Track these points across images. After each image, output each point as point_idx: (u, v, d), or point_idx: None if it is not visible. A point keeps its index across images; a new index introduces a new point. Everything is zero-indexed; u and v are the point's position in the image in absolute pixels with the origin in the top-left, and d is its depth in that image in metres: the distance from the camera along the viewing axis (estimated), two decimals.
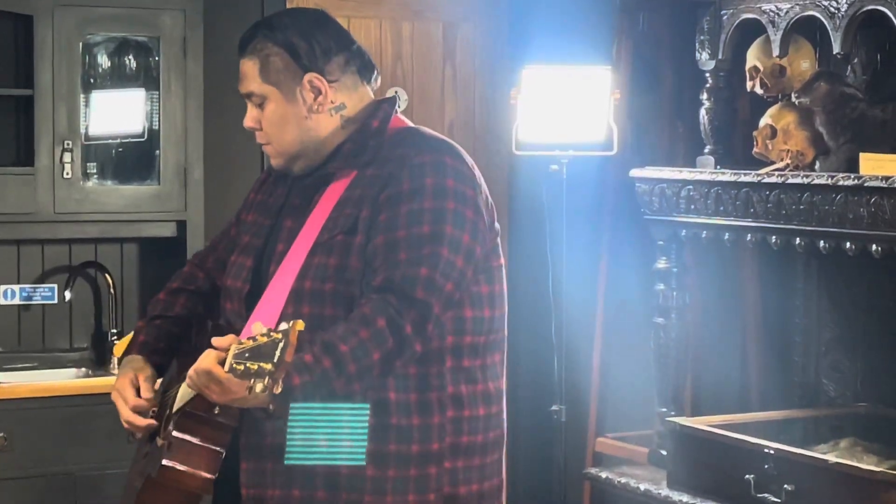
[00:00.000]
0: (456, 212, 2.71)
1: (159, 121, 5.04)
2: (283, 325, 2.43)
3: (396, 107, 2.89)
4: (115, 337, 5.09)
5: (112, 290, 5.15)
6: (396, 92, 5.52)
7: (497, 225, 2.86)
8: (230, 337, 2.54)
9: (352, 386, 2.61)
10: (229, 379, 2.50)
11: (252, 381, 2.41)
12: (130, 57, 5.14)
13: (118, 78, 5.15)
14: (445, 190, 2.72)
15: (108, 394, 4.57)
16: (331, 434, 2.68)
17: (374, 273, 2.67)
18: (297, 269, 2.72)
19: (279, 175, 2.93)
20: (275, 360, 2.40)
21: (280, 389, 2.43)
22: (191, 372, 2.57)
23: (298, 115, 2.81)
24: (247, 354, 2.43)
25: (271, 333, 2.43)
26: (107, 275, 5.15)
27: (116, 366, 5.00)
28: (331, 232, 2.73)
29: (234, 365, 2.44)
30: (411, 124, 2.89)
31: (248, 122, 2.86)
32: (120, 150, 5.18)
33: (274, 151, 2.85)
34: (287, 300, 2.70)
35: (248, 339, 2.46)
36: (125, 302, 5.21)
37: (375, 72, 2.90)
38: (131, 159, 5.17)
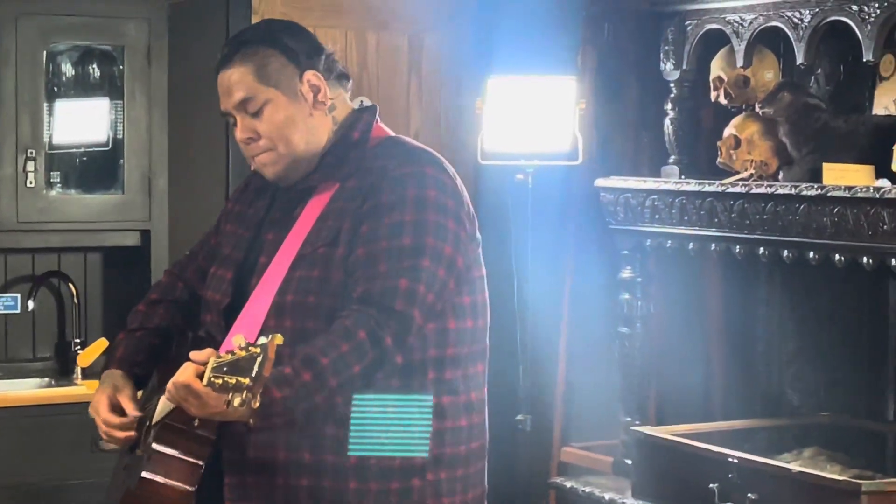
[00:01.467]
0: (437, 223, 2.71)
1: (123, 130, 5.02)
2: (262, 340, 2.42)
3: (377, 116, 2.87)
4: (79, 347, 5.06)
5: (76, 300, 5.12)
6: (362, 101, 5.50)
7: (479, 235, 2.86)
8: (208, 351, 2.52)
9: (333, 399, 2.60)
10: (207, 393, 2.48)
11: (230, 395, 2.41)
12: (94, 66, 5.11)
13: (82, 87, 5.12)
14: (426, 201, 2.71)
15: (72, 404, 4.64)
16: (395, 427, 2.68)
17: (354, 284, 2.67)
18: (279, 283, 2.70)
19: (259, 186, 2.90)
20: (253, 375, 2.39)
21: (258, 404, 2.42)
22: (169, 385, 2.55)
23: (303, 114, 2.78)
24: (225, 368, 2.42)
25: (250, 348, 2.42)
26: (70, 284, 5.12)
27: (80, 376, 4.98)
28: (313, 245, 2.72)
29: (213, 379, 2.43)
30: (392, 134, 2.89)
31: (243, 133, 2.79)
32: (84, 159, 5.15)
33: (276, 157, 2.78)
34: (269, 313, 2.69)
35: (227, 353, 2.45)
36: (89, 311, 5.18)
37: (349, 80, 2.90)
38: (95, 168, 5.14)
